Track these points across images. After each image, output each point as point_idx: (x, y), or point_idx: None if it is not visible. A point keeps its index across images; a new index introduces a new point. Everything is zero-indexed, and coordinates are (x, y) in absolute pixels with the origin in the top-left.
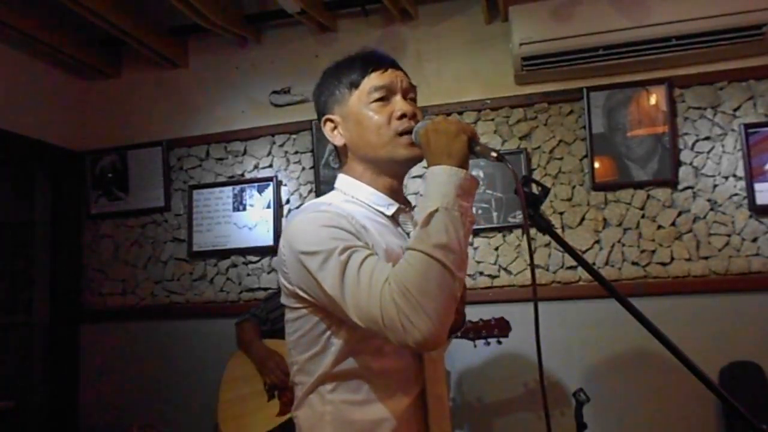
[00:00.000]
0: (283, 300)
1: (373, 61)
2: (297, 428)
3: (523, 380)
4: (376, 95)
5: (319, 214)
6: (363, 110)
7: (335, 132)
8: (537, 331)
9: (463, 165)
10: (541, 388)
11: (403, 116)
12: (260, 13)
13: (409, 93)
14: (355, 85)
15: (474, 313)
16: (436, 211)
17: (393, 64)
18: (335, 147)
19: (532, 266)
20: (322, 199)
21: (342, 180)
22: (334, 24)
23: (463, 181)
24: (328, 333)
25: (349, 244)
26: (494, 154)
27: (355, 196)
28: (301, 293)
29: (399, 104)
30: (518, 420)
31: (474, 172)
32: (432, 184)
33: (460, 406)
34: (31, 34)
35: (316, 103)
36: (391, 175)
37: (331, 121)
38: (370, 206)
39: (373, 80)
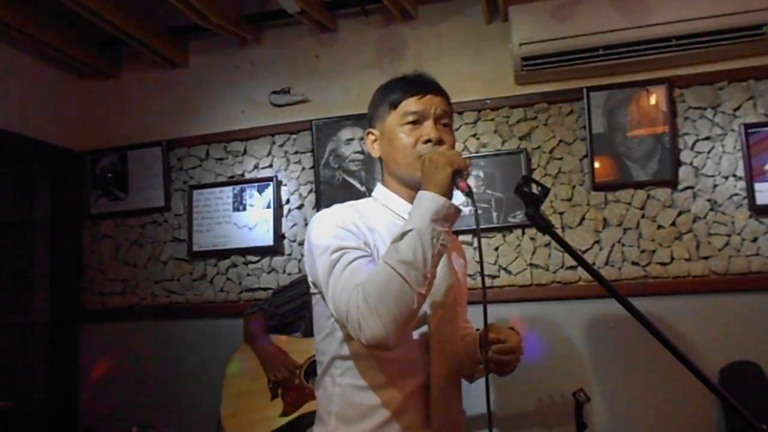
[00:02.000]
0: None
1: (414, 85)
2: (316, 404)
3: (521, 379)
4: (409, 119)
5: (332, 213)
6: (396, 130)
7: (374, 145)
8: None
9: (445, 193)
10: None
11: (428, 141)
12: (260, 13)
13: (443, 119)
14: (394, 105)
15: (474, 313)
16: (410, 231)
17: (433, 90)
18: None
19: (483, 279)
20: (352, 201)
21: (378, 189)
22: (334, 24)
23: (440, 207)
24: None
25: (344, 244)
26: (466, 190)
27: (385, 204)
28: (312, 279)
29: (427, 130)
30: (517, 417)
31: (474, 172)
32: (415, 207)
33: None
34: (31, 34)
35: (368, 116)
36: (415, 188)
37: (372, 134)
38: (394, 212)
39: (410, 104)
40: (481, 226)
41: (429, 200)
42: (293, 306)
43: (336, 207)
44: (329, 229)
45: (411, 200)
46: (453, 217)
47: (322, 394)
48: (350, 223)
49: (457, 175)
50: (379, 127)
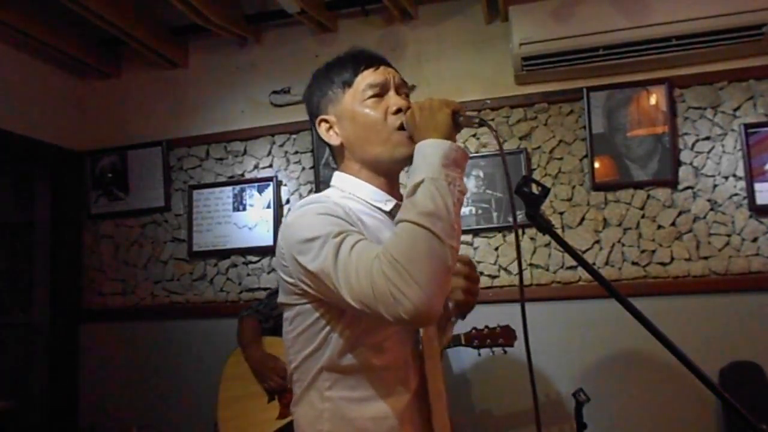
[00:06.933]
0: (281, 298)
1: (364, 59)
2: (295, 425)
3: (523, 379)
4: (371, 92)
5: (314, 206)
6: (358, 108)
7: (330, 132)
8: (525, 333)
9: (449, 136)
10: (533, 391)
11: (398, 111)
12: (260, 13)
13: (403, 88)
14: (348, 83)
15: (475, 313)
16: (422, 181)
17: (384, 62)
18: (330, 147)
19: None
20: (319, 194)
21: (339, 177)
22: (334, 24)
23: (448, 150)
24: (328, 328)
25: (342, 229)
26: (476, 121)
27: (353, 193)
28: (303, 285)
29: (394, 99)
30: (518, 418)
31: (474, 173)
32: (419, 158)
33: (458, 406)
34: (31, 34)
35: (307, 105)
36: (389, 171)
37: (326, 121)
38: (367, 202)
39: (367, 78)
40: (481, 227)
41: (433, 146)
42: None
43: (310, 204)
44: (317, 220)
45: (386, 188)
46: (463, 161)
47: (306, 411)
48: (340, 211)
49: (457, 116)
50: (333, 111)
